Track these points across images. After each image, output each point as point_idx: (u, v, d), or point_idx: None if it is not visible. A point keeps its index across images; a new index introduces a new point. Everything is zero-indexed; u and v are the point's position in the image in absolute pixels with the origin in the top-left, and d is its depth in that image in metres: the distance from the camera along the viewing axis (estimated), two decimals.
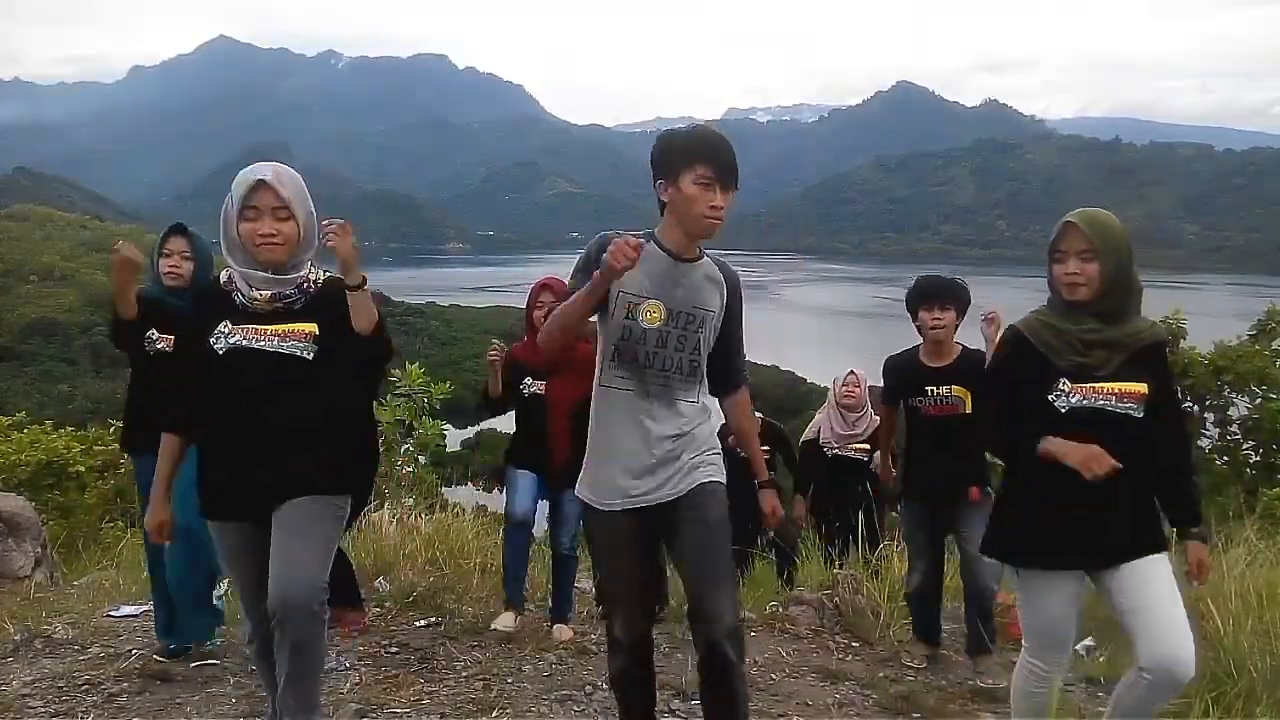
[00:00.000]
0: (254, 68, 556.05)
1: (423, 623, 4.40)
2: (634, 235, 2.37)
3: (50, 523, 6.50)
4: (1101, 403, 2.53)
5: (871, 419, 5.65)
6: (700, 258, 2.57)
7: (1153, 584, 2.51)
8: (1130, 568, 2.54)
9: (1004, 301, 4.00)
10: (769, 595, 5.09)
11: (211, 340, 2.54)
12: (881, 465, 4.54)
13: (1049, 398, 2.56)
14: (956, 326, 3.92)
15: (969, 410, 3.82)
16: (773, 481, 2.82)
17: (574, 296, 2.43)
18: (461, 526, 5.81)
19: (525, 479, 4.24)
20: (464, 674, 3.75)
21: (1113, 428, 2.52)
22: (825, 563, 5.48)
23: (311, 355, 2.56)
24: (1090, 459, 2.42)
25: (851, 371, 5.76)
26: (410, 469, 7.48)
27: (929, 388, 3.91)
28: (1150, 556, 2.55)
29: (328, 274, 2.67)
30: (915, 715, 3.61)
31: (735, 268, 2.68)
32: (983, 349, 3.88)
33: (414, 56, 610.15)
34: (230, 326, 2.55)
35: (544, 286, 4.17)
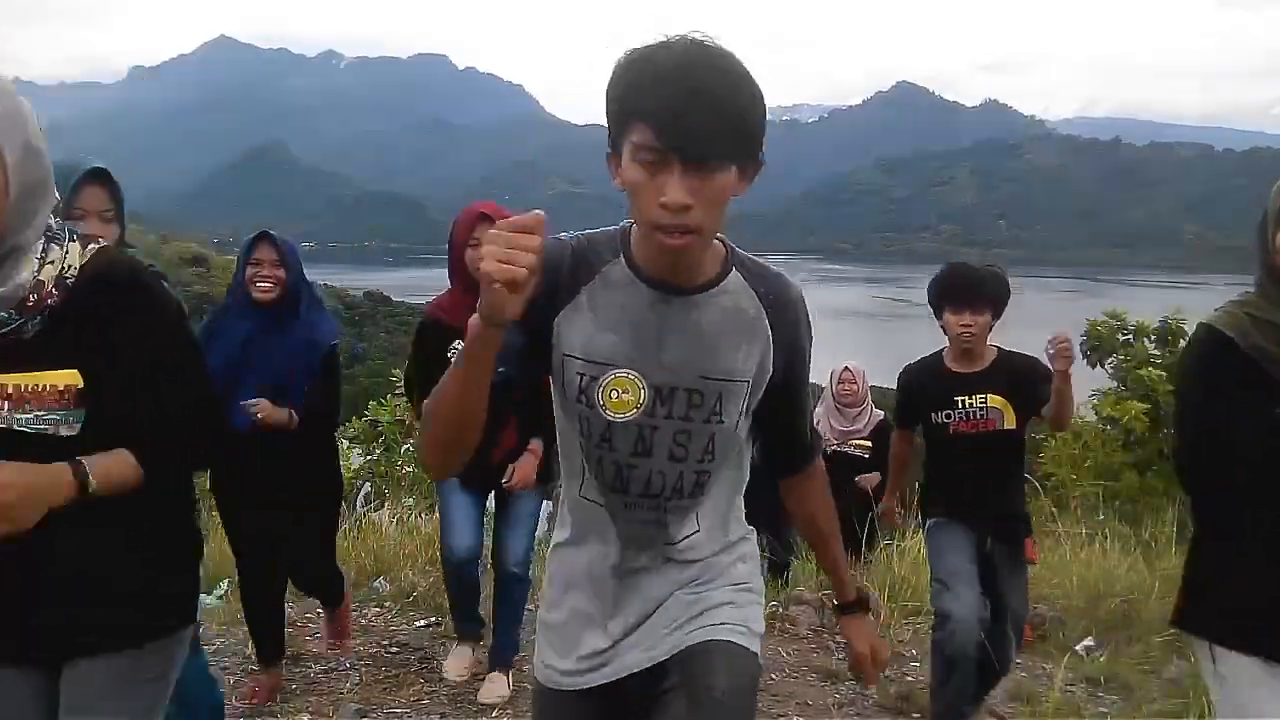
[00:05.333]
0: (254, 68, 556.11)
1: (423, 623, 4.40)
2: (584, 238, 1.46)
3: None
4: None
5: (872, 414, 5.63)
6: (720, 279, 1.44)
7: None
8: None
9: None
10: (769, 595, 5.09)
11: None
12: (887, 501, 3.77)
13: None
14: (991, 328, 3.14)
15: (1009, 426, 3.11)
16: (862, 603, 1.75)
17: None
18: None
19: (461, 502, 3.34)
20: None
21: None
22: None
23: (78, 428, 1.43)
24: None
25: (846, 367, 5.69)
26: (410, 469, 7.48)
27: (959, 398, 3.13)
28: None
29: (86, 249, 1.48)
30: (915, 715, 3.61)
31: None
32: (1025, 352, 3.20)
33: (414, 56, 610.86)
34: None
35: (483, 215, 3.17)
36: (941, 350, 3.28)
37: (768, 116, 1.34)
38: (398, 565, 5.13)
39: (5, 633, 1.48)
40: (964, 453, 3.14)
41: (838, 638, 4.49)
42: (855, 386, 5.62)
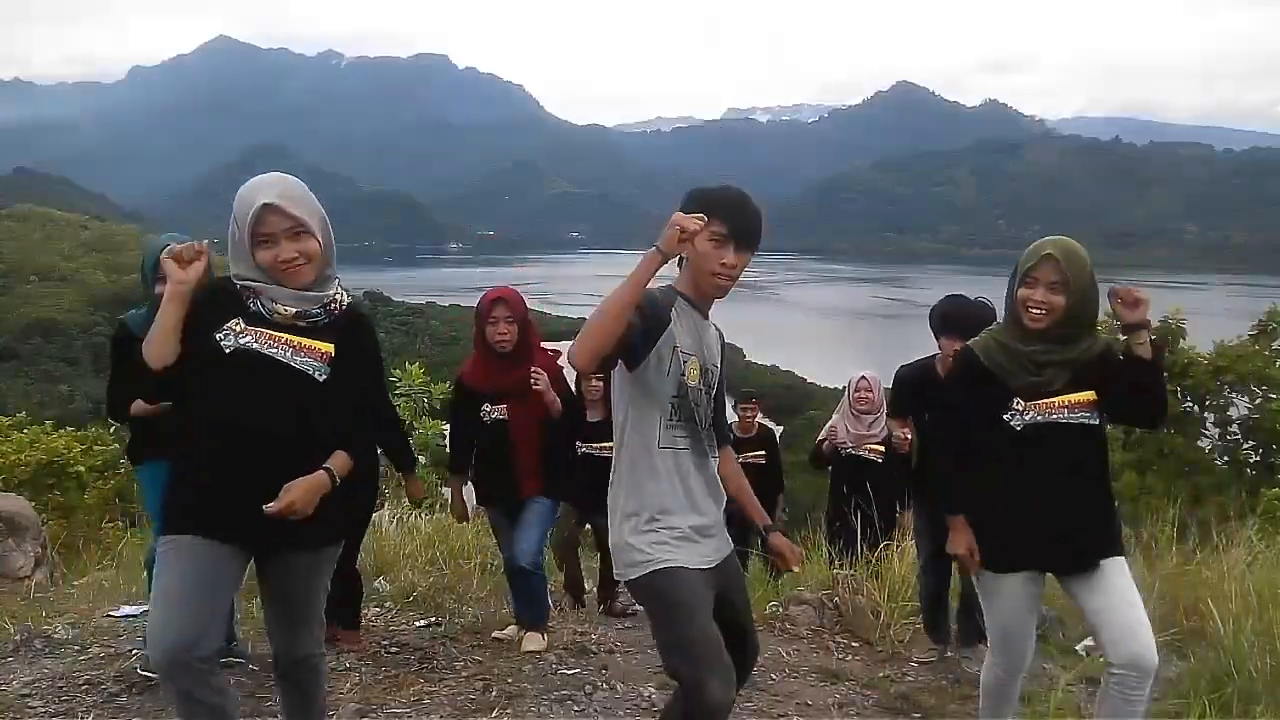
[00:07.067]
0: (254, 68, 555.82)
1: (423, 623, 4.41)
2: (658, 289, 2.39)
3: (50, 523, 6.50)
4: (1055, 416, 2.65)
5: (887, 423, 5.68)
6: (709, 313, 2.58)
7: (1112, 585, 2.62)
8: (1095, 571, 2.65)
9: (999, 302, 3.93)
10: (769, 595, 5.09)
11: (219, 336, 2.32)
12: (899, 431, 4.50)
13: (1004, 417, 2.67)
14: None
15: None
16: (778, 524, 2.80)
17: (622, 287, 2.21)
18: (461, 526, 5.82)
19: (504, 521, 4.04)
20: (464, 674, 3.76)
21: (1067, 439, 2.65)
22: (826, 563, 5.48)
23: (324, 377, 2.39)
24: (960, 555, 2.74)
25: (863, 376, 5.78)
26: None
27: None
28: (1109, 559, 2.66)
29: (352, 296, 2.54)
30: (915, 715, 3.61)
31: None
32: None
33: (414, 56, 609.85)
34: (243, 325, 2.34)
35: (498, 299, 3.79)
36: (935, 357, 3.86)
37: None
38: (398, 565, 5.14)
39: (239, 526, 2.31)
40: None
41: (838, 638, 4.50)
42: (871, 395, 5.70)
